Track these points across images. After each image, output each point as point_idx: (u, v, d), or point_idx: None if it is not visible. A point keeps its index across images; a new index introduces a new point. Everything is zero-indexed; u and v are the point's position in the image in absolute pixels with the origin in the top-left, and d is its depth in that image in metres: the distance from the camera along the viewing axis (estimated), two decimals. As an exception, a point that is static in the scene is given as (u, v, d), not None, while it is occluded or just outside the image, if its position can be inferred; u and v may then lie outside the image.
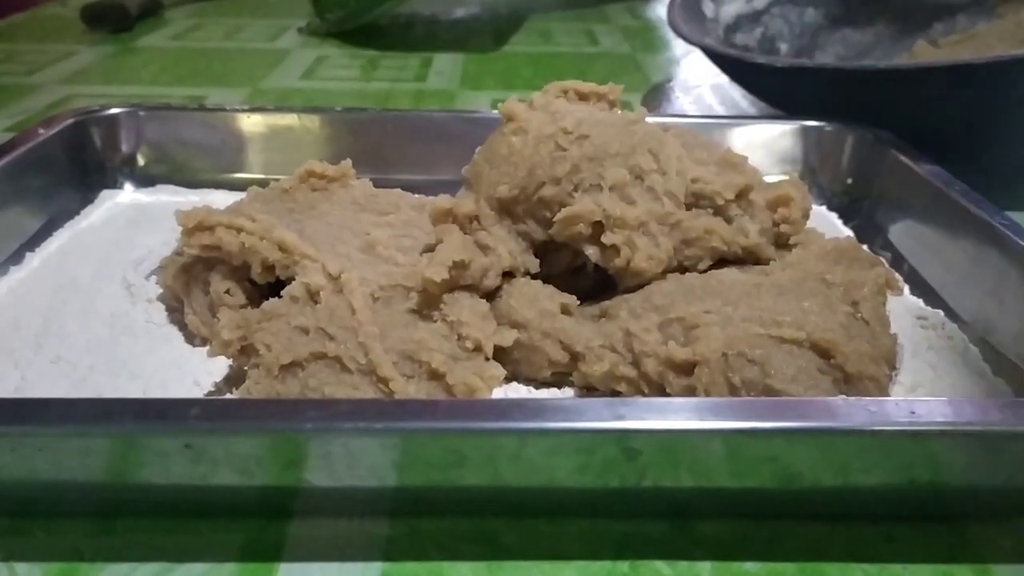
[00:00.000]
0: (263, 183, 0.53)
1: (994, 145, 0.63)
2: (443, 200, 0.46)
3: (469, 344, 0.40)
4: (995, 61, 0.57)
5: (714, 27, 0.81)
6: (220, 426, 0.31)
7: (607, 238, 0.43)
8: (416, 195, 0.54)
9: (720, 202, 0.45)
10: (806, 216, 0.47)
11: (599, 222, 0.43)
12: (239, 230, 0.45)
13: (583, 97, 0.51)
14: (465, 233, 0.44)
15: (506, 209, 0.45)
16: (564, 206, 0.44)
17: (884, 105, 0.62)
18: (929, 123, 0.60)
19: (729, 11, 0.84)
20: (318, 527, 0.34)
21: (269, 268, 0.44)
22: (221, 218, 0.45)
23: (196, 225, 0.45)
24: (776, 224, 0.46)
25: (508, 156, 0.45)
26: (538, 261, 0.45)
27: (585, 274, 0.46)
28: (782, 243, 0.46)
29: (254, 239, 0.44)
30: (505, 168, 0.45)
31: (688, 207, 0.45)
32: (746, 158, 0.51)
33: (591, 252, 0.44)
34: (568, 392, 0.42)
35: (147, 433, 0.31)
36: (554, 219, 0.44)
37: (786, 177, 0.62)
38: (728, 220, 0.45)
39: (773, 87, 0.73)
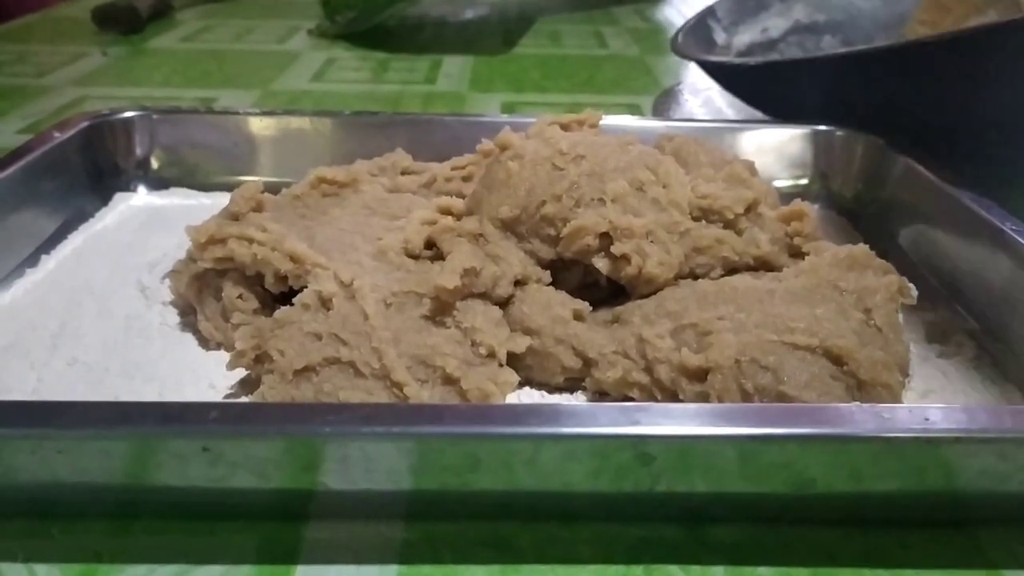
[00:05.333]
0: (275, 186, 0.53)
1: (997, 140, 0.62)
2: (446, 221, 0.46)
3: (483, 350, 0.40)
4: (977, 31, 0.56)
5: (724, 54, 0.81)
6: (239, 429, 0.31)
7: (616, 248, 0.43)
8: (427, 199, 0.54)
9: (730, 216, 0.46)
10: (817, 233, 0.47)
11: (606, 234, 0.44)
12: (251, 241, 0.45)
13: (565, 128, 0.52)
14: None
15: (509, 229, 0.46)
16: (567, 222, 0.44)
17: (871, 94, 0.62)
18: (920, 111, 0.60)
19: (742, 39, 0.83)
20: (334, 530, 0.34)
21: (282, 278, 0.45)
22: (232, 230, 0.46)
23: (208, 239, 0.45)
24: (789, 236, 0.46)
25: (506, 180, 0.46)
26: (548, 273, 0.46)
27: (597, 289, 0.46)
28: (794, 253, 0.47)
29: (266, 250, 0.44)
30: (504, 191, 0.46)
31: (696, 221, 0.46)
32: (753, 164, 0.52)
33: (601, 264, 0.44)
34: (580, 398, 0.42)
35: (166, 436, 0.31)
36: (560, 235, 0.44)
37: (796, 182, 0.62)
38: (739, 233, 0.46)
39: (763, 92, 0.73)
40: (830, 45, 0.87)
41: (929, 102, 0.60)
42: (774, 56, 0.85)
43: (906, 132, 0.58)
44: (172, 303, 0.49)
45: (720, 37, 0.83)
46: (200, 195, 0.63)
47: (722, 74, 0.75)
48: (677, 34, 0.79)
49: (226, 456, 0.31)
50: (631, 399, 0.40)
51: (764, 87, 0.71)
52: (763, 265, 0.46)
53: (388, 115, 0.68)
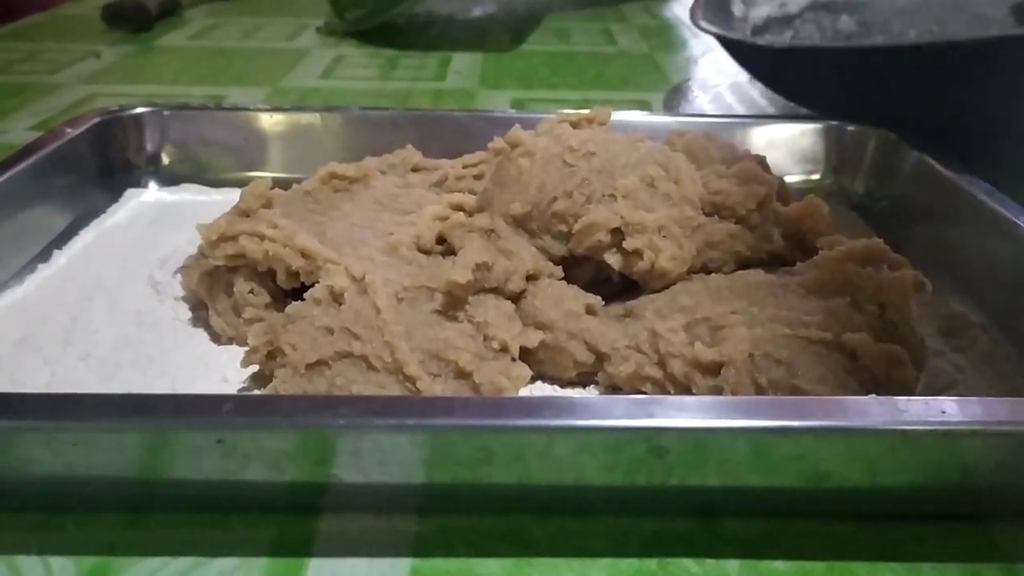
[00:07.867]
0: (285, 182, 0.53)
1: (1016, 137, 0.62)
2: (457, 217, 0.46)
3: (495, 344, 0.40)
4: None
5: (741, 27, 0.81)
6: (253, 421, 0.31)
7: (628, 243, 0.43)
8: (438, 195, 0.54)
9: (742, 211, 0.46)
10: (830, 229, 0.47)
11: (618, 229, 0.43)
12: (262, 238, 0.45)
13: (575, 125, 0.52)
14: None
15: (521, 226, 0.46)
16: (578, 218, 0.44)
17: (895, 89, 0.61)
18: (942, 108, 0.59)
19: (759, 13, 0.83)
20: (348, 523, 0.34)
21: (293, 274, 0.45)
22: (243, 227, 0.46)
23: (219, 237, 0.46)
24: (802, 231, 0.46)
25: (517, 176, 0.46)
26: (560, 269, 0.45)
27: (610, 285, 0.46)
28: (807, 248, 0.46)
29: (277, 246, 0.44)
30: (516, 188, 0.46)
31: (708, 216, 0.46)
32: (765, 159, 0.52)
33: (613, 260, 0.44)
34: (593, 392, 0.42)
35: (180, 428, 0.31)
36: (572, 231, 0.44)
37: (808, 178, 0.62)
38: (751, 228, 0.46)
39: (784, 76, 0.72)
40: (846, 25, 0.86)
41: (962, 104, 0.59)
42: (789, 33, 0.84)
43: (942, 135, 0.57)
44: (184, 298, 0.49)
45: (738, 9, 0.82)
46: (211, 191, 0.63)
47: (742, 53, 0.74)
48: (695, 5, 0.78)
49: (240, 448, 0.31)
50: (644, 394, 0.40)
51: (787, 71, 0.71)
52: (776, 260, 0.46)
53: (398, 111, 0.68)
